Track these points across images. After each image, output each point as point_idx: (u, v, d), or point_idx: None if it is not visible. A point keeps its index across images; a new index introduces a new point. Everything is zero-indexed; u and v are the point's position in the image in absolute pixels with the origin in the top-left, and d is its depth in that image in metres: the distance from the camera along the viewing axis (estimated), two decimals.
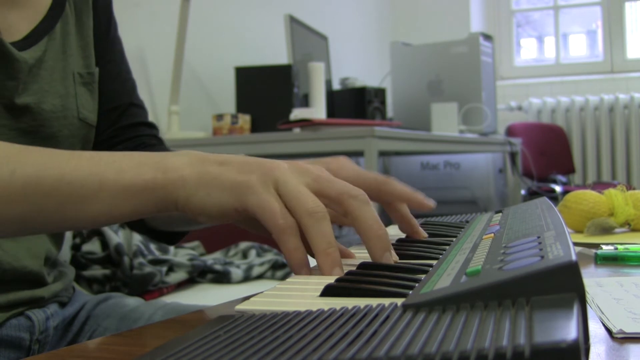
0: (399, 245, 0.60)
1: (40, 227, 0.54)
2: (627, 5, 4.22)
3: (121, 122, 0.85)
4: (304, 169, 0.52)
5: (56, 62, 0.76)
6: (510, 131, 3.76)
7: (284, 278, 1.80)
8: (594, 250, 0.73)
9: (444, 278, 0.40)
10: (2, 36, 0.69)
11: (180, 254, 1.84)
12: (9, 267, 0.72)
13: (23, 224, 0.52)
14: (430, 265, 0.49)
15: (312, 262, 0.52)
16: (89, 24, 0.82)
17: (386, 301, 0.36)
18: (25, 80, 0.72)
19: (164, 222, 0.81)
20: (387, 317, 0.33)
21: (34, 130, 0.73)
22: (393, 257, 0.51)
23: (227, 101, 2.61)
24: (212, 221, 0.52)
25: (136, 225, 0.83)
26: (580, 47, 4.60)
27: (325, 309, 0.36)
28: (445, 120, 2.83)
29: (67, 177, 0.50)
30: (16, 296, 0.74)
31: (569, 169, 3.96)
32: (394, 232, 0.70)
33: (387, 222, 0.67)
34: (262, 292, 0.46)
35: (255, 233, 0.59)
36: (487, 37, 3.20)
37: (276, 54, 2.85)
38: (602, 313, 0.46)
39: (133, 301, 0.87)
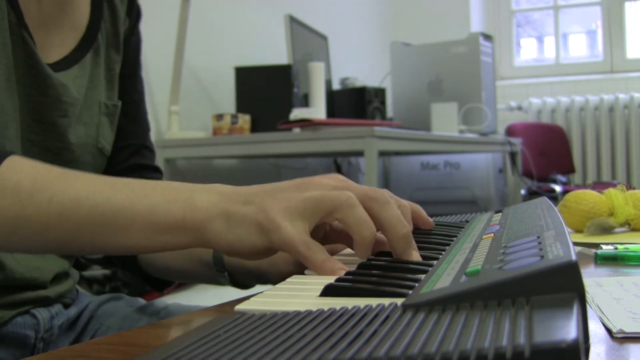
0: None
1: (76, 251, 0.56)
2: (627, 5, 4.22)
3: (130, 161, 0.86)
4: (320, 184, 0.54)
5: (86, 89, 0.77)
6: (510, 131, 3.76)
7: None
8: (594, 250, 0.73)
9: (443, 278, 0.40)
10: (40, 54, 0.71)
11: None
12: (20, 276, 0.74)
13: (59, 248, 0.54)
14: (430, 265, 0.49)
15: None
16: (117, 59, 0.83)
17: (386, 301, 0.36)
18: (56, 100, 0.73)
19: (156, 270, 0.83)
20: (387, 317, 0.33)
21: (57, 152, 0.75)
22: (416, 256, 0.53)
23: (227, 101, 2.61)
24: (247, 259, 0.53)
25: (129, 266, 0.85)
26: (580, 47, 4.60)
27: (325, 309, 0.36)
28: (445, 120, 2.83)
29: (101, 208, 0.51)
30: (22, 297, 0.75)
31: (569, 169, 3.96)
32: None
33: None
34: (262, 292, 0.46)
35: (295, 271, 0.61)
36: (487, 37, 3.20)
37: (276, 54, 2.85)
38: (602, 313, 0.46)
39: (135, 301, 0.88)
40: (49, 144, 0.73)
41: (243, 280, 0.75)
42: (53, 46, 0.74)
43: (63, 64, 0.75)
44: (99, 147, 0.80)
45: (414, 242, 0.53)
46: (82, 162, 0.78)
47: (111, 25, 0.82)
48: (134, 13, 0.86)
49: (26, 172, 0.52)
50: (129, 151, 0.86)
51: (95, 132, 0.79)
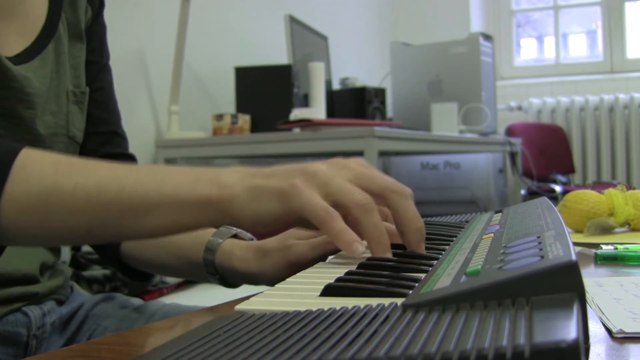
0: (399, 245, 0.60)
1: (103, 237, 0.56)
2: (627, 5, 4.22)
3: (103, 150, 0.86)
4: (344, 165, 0.56)
5: (50, 80, 0.76)
6: (510, 131, 3.75)
7: None
8: (594, 250, 0.73)
9: (443, 278, 0.40)
10: None
11: None
12: (4, 271, 0.73)
13: (86, 234, 0.54)
14: (430, 265, 0.49)
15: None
16: (80, 47, 0.82)
17: (386, 301, 0.36)
18: (19, 92, 0.72)
19: (138, 263, 0.83)
20: (387, 317, 0.33)
21: (27, 144, 0.73)
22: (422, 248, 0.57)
23: (227, 101, 2.61)
24: (267, 229, 0.55)
25: (110, 258, 0.85)
26: (580, 47, 4.60)
27: (325, 309, 0.36)
28: (445, 120, 2.82)
29: (127, 190, 0.52)
30: (10, 292, 0.75)
31: (569, 169, 3.96)
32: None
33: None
34: (262, 292, 0.46)
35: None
36: (487, 37, 3.20)
37: (276, 54, 2.85)
38: (602, 313, 0.46)
39: (132, 302, 0.88)
40: (17, 137, 0.72)
41: (233, 281, 0.76)
42: (13, 37, 0.73)
43: (24, 56, 0.74)
44: (70, 136, 0.79)
45: (424, 236, 0.57)
46: (54, 153, 0.77)
47: (72, 14, 0.81)
48: (96, 2, 0.85)
49: (47, 161, 0.53)
50: (101, 139, 0.86)
51: (64, 121, 0.78)
